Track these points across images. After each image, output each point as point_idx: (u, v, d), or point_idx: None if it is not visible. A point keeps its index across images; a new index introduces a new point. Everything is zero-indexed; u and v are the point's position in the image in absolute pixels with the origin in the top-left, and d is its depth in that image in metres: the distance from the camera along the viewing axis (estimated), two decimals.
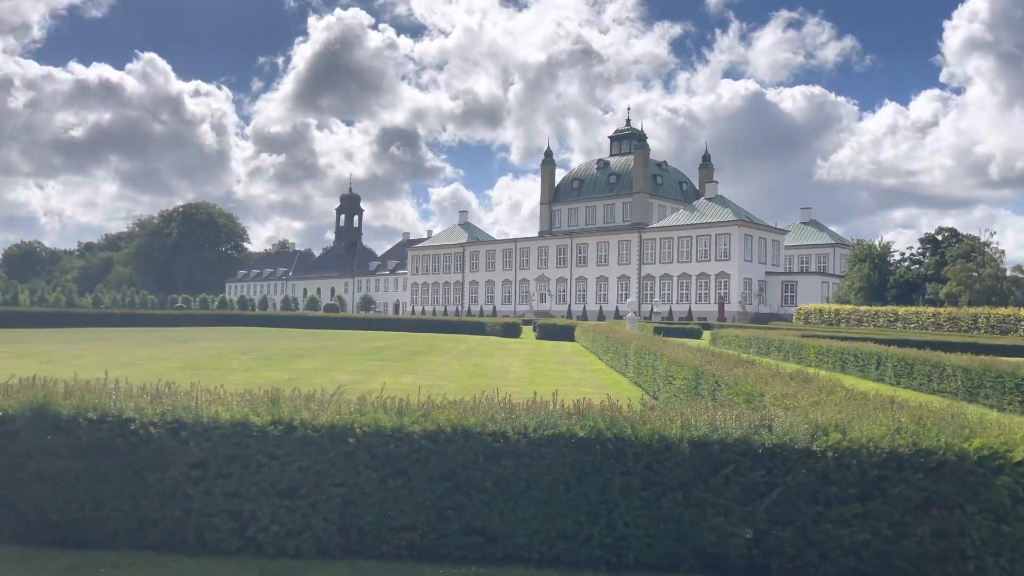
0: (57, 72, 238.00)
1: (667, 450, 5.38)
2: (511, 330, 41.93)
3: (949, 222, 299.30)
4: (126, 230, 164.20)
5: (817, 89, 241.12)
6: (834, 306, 68.45)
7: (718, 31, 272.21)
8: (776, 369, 10.42)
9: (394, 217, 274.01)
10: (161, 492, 5.31)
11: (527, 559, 5.36)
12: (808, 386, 8.51)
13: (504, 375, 18.25)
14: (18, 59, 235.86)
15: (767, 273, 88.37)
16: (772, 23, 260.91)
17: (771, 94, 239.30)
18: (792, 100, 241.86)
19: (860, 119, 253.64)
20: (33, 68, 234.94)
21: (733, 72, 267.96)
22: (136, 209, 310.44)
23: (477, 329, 44.78)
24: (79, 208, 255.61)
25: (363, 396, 5.91)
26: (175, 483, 5.31)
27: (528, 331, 45.08)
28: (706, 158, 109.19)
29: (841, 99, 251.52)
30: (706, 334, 39.38)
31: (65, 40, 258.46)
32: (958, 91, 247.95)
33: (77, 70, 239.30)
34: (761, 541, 5.36)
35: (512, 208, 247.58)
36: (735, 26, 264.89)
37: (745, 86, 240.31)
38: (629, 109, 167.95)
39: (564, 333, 38.38)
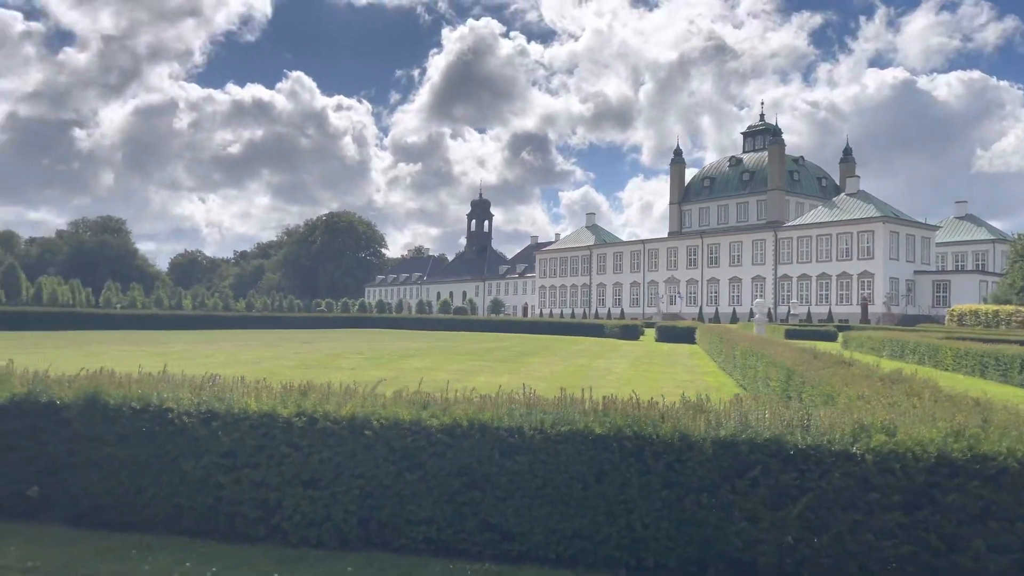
0: (216, 94, 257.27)
1: (689, 449, 5.12)
2: (630, 332, 41.30)
3: None
4: (275, 239, 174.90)
5: (976, 74, 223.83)
6: (992, 307, 63.00)
7: (862, 18, 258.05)
8: (870, 370, 9.71)
9: (525, 221, 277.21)
10: (195, 479, 5.59)
11: (543, 558, 5.24)
12: (894, 387, 7.89)
13: (604, 376, 17.99)
14: (182, 83, 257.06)
15: (915, 272, 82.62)
16: (923, 6, 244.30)
17: (923, 82, 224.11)
18: (947, 87, 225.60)
19: None
20: (195, 91, 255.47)
21: (880, 61, 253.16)
22: (286, 219, 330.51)
23: (596, 331, 44.44)
24: (236, 219, 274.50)
25: (399, 390, 5.99)
26: (208, 471, 5.57)
27: (650, 333, 44.28)
28: (847, 152, 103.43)
29: (1004, 83, 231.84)
30: (841, 336, 37.26)
31: (223, 63, 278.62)
32: None
33: (233, 91, 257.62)
34: (793, 549, 5.00)
35: (643, 209, 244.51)
36: (882, 12, 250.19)
37: (893, 75, 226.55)
38: (763, 104, 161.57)
39: (684, 336, 37.42)
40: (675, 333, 38.15)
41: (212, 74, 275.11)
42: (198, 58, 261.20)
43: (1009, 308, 61.16)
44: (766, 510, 5.02)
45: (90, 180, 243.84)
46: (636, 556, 5.16)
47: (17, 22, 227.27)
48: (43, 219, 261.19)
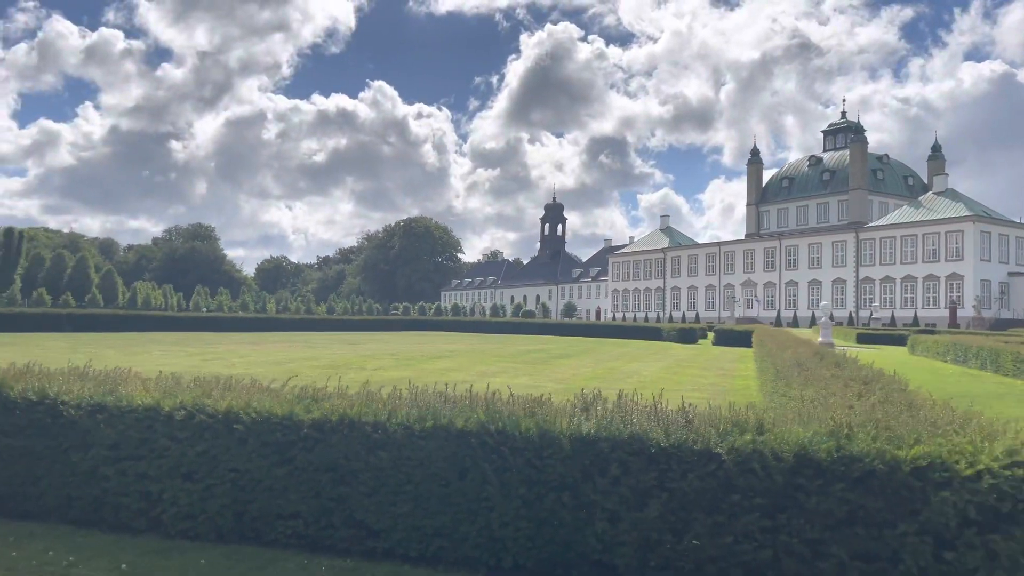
0: (302, 104, 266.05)
1: (549, 446, 4.96)
2: (687, 335, 40.40)
3: None
4: (356, 244, 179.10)
5: None
6: None
7: (957, 10, 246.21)
8: (856, 373, 9.22)
9: (603, 225, 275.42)
10: (84, 471, 5.75)
11: (404, 556, 5.17)
12: (867, 387, 7.51)
13: (628, 378, 17.69)
14: (270, 95, 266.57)
15: (1010, 274, 78.06)
16: None
17: (1023, 75, 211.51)
18: None
19: None
20: (283, 102, 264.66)
21: (976, 54, 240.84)
22: (368, 225, 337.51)
23: (653, 335, 43.68)
24: (320, 226, 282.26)
25: (341, 388, 6.01)
26: (95, 463, 5.73)
27: (711, 337, 43.24)
28: (936, 148, 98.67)
29: None
30: (909, 341, 35.54)
31: (309, 75, 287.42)
32: None
33: (319, 101, 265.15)
34: (654, 552, 4.78)
35: (725, 211, 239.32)
36: (977, 3, 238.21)
37: (991, 68, 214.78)
38: (844, 101, 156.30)
39: (741, 339, 36.31)
40: (732, 336, 37.11)
41: (298, 86, 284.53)
42: (286, 70, 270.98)
43: None
44: (627, 511, 4.81)
45: (185, 189, 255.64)
46: (495, 556, 5.03)
47: (119, 40, 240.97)
48: (142, 227, 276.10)
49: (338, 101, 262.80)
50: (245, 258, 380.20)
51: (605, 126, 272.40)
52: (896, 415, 5.14)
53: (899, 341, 39.56)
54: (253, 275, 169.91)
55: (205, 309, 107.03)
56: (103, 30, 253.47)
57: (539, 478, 4.96)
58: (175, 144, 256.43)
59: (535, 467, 4.97)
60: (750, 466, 4.60)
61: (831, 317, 39.93)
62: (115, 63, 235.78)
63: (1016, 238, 79.99)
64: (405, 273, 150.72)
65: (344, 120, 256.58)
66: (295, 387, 6.02)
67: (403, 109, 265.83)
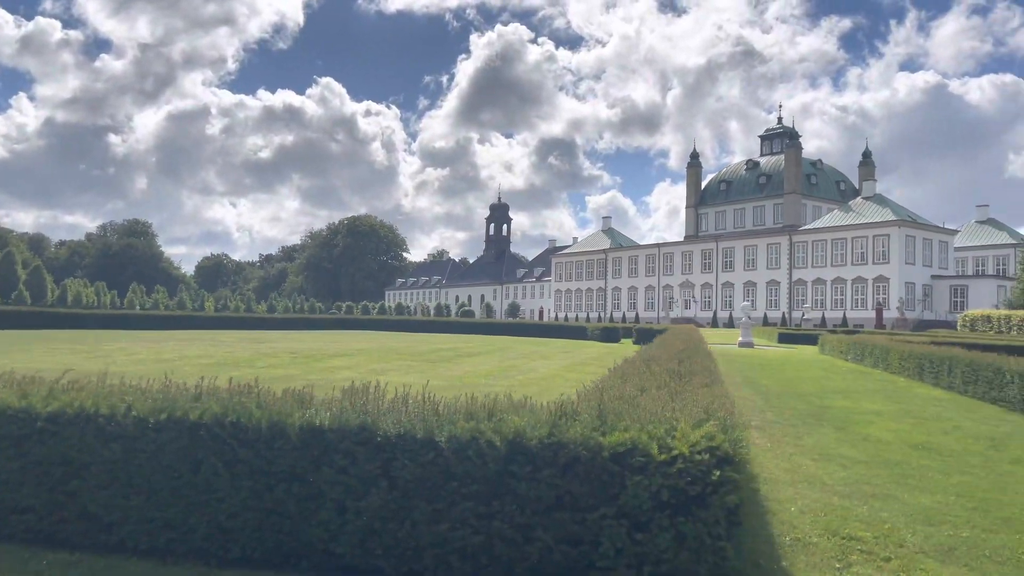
0: (248, 99, 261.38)
1: (279, 437, 4.92)
2: (610, 335, 40.83)
3: None
4: (300, 243, 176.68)
5: (1009, 78, 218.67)
6: (1004, 312, 61.23)
7: (893, 22, 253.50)
8: (669, 371, 9.39)
9: (552, 226, 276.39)
10: None
11: (134, 549, 5.08)
12: (674, 382, 7.63)
13: (521, 375, 17.85)
14: (215, 89, 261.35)
15: (932, 277, 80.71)
16: (954, 10, 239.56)
17: (955, 86, 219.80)
18: (980, 91, 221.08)
19: None
20: (228, 97, 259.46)
21: (911, 65, 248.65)
22: (316, 223, 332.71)
23: (579, 334, 44.04)
24: (265, 223, 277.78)
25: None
26: None
27: (635, 335, 43.70)
28: (866, 155, 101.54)
29: None
30: (820, 340, 36.43)
31: (255, 70, 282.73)
32: None
33: (265, 97, 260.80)
34: (376, 539, 4.77)
35: (670, 213, 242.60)
36: (912, 15, 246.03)
37: (925, 79, 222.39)
38: (781, 107, 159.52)
39: (655, 337, 36.86)
40: (650, 335, 37.57)
41: (244, 81, 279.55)
42: (231, 65, 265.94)
43: (1021, 313, 59.39)
44: (352, 500, 4.80)
45: (124, 184, 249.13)
46: (224, 548, 4.97)
47: (56, 30, 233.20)
48: (78, 222, 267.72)
49: (285, 97, 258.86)
50: (186, 256, 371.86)
51: (554, 128, 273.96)
52: (631, 404, 5.23)
53: (814, 341, 40.56)
54: (193, 273, 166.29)
55: (139, 307, 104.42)
56: (39, 19, 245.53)
57: (268, 469, 4.93)
58: (114, 138, 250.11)
59: (264, 458, 4.93)
60: (467, 454, 4.63)
61: (750, 318, 40.73)
62: (51, 53, 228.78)
63: (939, 242, 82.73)
64: (349, 272, 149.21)
65: (291, 116, 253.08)
66: (69, 381, 5.86)
67: (352, 106, 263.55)
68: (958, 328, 65.41)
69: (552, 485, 4.52)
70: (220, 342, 30.63)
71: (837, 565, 5.38)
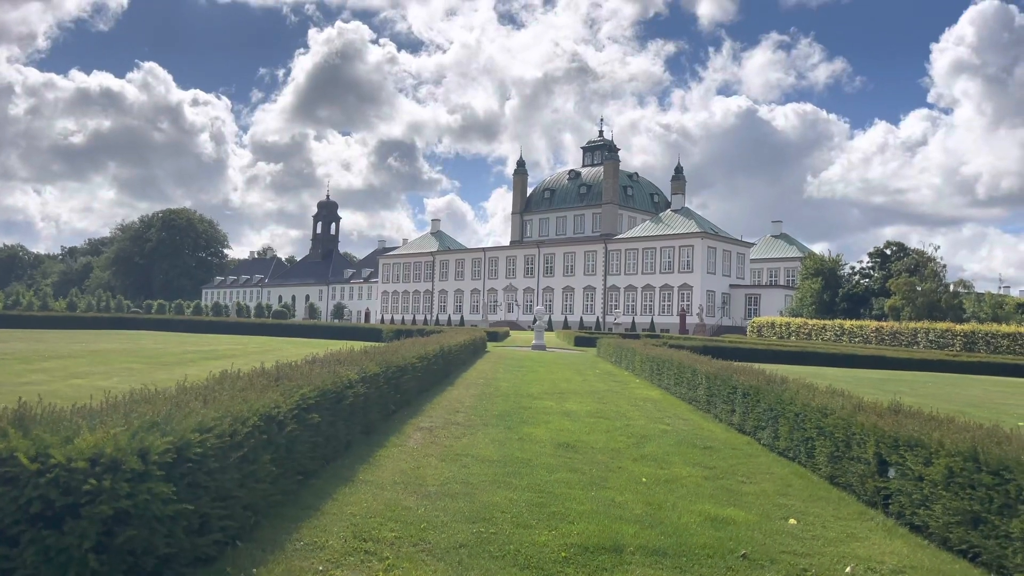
0: (58, 79, 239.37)
1: None
2: (400, 336, 40.65)
3: (939, 240, 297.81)
4: (108, 235, 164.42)
5: (808, 107, 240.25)
6: (785, 319, 66.92)
7: (711, 49, 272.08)
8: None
9: (390, 227, 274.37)
10: None
11: None
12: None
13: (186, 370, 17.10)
14: (19, 67, 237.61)
15: (731, 286, 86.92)
16: (763, 44, 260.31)
17: (763, 111, 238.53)
18: (784, 118, 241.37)
19: (851, 137, 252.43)
20: (34, 75, 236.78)
21: (726, 89, 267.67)
22: (133, 216, 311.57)
23: (375, 336, 43.61)
24: (76, 214, 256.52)
25: None
26: None
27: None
28: (678, 170, 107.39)
29: (832, 116, 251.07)
30: (599, 343, 38.04)
31: (69, 49, 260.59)
32: (946, 111, 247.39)
33: (78, 78, 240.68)
34: None
35: (505, 219, 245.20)
36: (728, 45, 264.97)
37: (738, 103, 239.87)
38: (602, 120, 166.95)
39: None
40: (426, 334, 37.85)
41: (56, 60, 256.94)
42: (42, 43, 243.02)
43: (798, 321, 65.06)
44: None
45: None
46: None
47: None
48: None
49: (101, 79, 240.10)
50: None
51: (394, 129, 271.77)
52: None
53: (593, 343, 42.36)
54: None
55: None
56: None
57: None
58: None
59: None
60: None
61: (543, 322, 41.91)
62: None
63: (737, 254, 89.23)
64: (163, 268, 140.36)
65: (108, 101, 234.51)
66: None
67: (178, 94, 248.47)
68: (747, 334, 70.80)
69: None
70: None
71: (320, 568, 5.29)
